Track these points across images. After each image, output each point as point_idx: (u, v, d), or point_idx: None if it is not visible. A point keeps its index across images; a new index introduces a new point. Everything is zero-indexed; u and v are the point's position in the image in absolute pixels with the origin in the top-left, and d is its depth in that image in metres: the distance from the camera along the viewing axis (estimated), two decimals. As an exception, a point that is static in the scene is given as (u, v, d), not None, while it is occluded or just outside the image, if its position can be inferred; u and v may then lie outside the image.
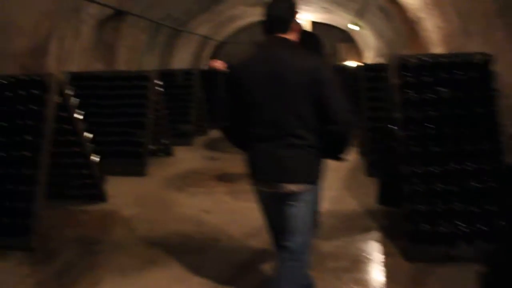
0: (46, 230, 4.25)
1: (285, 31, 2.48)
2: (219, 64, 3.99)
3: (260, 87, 2.38)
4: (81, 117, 4.69)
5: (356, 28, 15.59)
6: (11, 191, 3.94)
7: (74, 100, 4.57)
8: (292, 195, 2.43)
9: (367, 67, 6.45)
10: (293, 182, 2.41)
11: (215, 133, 10.00)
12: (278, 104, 2.35)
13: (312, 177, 2.48)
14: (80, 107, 6.58)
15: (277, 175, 2.41)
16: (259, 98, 2.39)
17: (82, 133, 4.69)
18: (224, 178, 6.18)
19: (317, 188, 2.62)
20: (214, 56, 20.51)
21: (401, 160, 3.62)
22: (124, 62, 11.40)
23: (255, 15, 17.81)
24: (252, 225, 4.45)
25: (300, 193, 2.43)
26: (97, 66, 10.69)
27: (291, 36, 2.51)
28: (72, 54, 9.03)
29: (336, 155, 2.53)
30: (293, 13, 2.54)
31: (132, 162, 6.39)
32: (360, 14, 12.99)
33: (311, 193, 2.52)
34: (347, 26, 17.14)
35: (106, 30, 10.59)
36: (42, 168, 3.99)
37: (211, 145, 8.72)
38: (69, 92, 4.47)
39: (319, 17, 17.84)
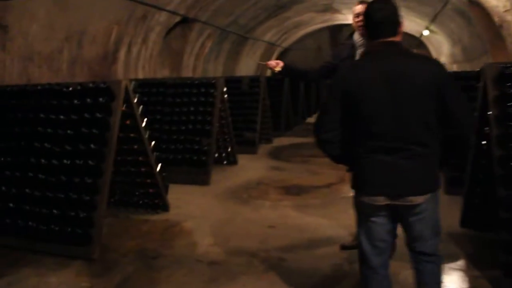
0: (107, 240, 4.15)
1: (394, 34, 2.32)
2: (273, 63, 3.74)
3: (379, 96, 2.22)
4: (145, 125, 4.57)
5: (426, 32, 14.80)
6: (74, 200, 3.87)
7: (139, 108, 4.45)
8: (418, 206, 2.30)
9: (455, 75, 5.89)
10: (420, 194, 2.28)
11: (280, 141, 9.75)
12: (402, 113, 2.20)
13: (437, 184, 2.37)
14: (145, 114, 6.59)
15: (401, 188, 2.27)
16: (378, 108, 2.23)
17: (147, 142, 4.57)
18: (290, 190, 5.88)
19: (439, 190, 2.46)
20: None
21: (498, 182, 3.15)
22: (190, 69, 11.44)
23: (322, 21, 17.44)
24: (322, 243, 4.12)
25: (425, 202, 2.30)
26: (164, 73, 10.79)
27: (400, 39, 2.35)
28: (140, 61, 9.13)
29: (449, 161, 2.47)
30: (399, 13, 2.36)
31: (196, 171, 6.25)
32: (434, 18, 12.28)
33: (436, 197, 2.38)
34: (418, 32, 16.35)
35: (173, 37, 10.68)
36: (105, 177, 3.89)
37: (276, 154, 8.46)
38: (135, 100, 4.37)
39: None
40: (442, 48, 15.52)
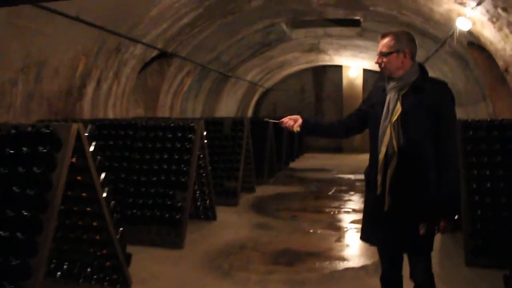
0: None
1: None
2: (291, 123, 2.89)
3: None
4: (104, 180, 3.58)
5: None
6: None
7: (96, 160, 3.48)
8: None
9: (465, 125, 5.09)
10: None
11: (263, 191, 8.80)
12: None
13: None
14: (110, 160, 5.58)
15: None
16: None
17: (105, 203, 3.57)
18: (280, 258, 4.88)
19: None
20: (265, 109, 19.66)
21: None
22: (167, 108, 10.53)
23: (306, 62, 16.90)
24: None
25: None
26: (138, 112, 9.84)
27: None
28: (110, 98, 8.18)
29: None
30: None
31: (167, 231, 5.22)
32: (425, 61, 11.75)
33: None
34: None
35: (150, 72, 9.80)
36: (40, 257, 2.86)
37: (260, 207, 7.47)
38: (90, 148, 3.40)
39: (374, 65, 16.64)
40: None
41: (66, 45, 6.39)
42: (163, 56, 9.31)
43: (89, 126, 3.43)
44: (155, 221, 5.26)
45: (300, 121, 2.94)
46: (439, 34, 8.94)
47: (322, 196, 8.59)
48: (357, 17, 10.23)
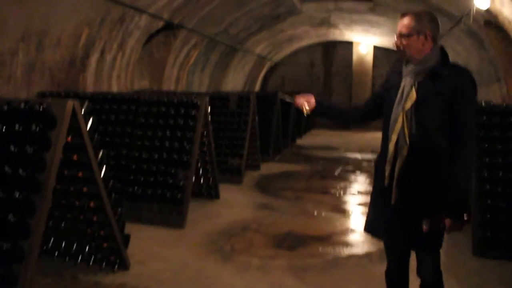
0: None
1: None
2: (301, 101, 2.73)
3: None
4: (101, 158, 3.44)
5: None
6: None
7: (94, 138, 3.33)
8: None
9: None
10: None
11: (268, 169, 8.67)
12: None
13: None
14: (111, 136, 5.44)
15: None
16: None
17: (102, 184, 3.44)
18: (283, 242, 4.76)
19: None
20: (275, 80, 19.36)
21: None
22: (172, 81, 10.33)
23: (316, 36, 16.53)
24: None
25: None
26: (143, 84, 9.66)
27: None
28: (114, 69, 7.99)
29: None
30: None
31: (168, 210, 5.12)
32: (439, 39, 11.41)
33: None
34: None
35: (155, 44, 9.56)
36: (33, 244, 2.75)
37: (264, 186, 7.35)
38: (87, 126, 3.25)
39: (385, 41, 16.30)
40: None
41: (68, 15, 6.19)
42: (169, 27, 9.06)
43: (86, 103, 3.27)
44: (157, 200, 5.15)
45: (312, 101, 2.77)
46: (455, 11, 8.60)
47: (328, 176, 8.45)
48: (371, -9, 9.87)
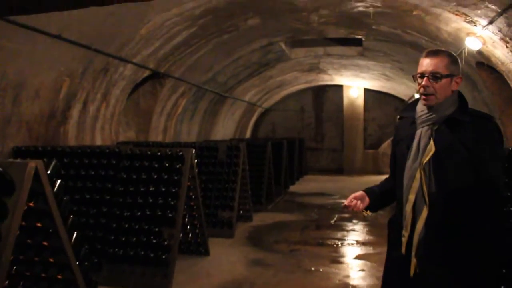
0: None
1: None
2: (356, 203, 2.33)
3: None
4: (71, 225, 3.07)
5: (418, 96, 13.89)
6: None
7: (61, 203, 2.97)
8: None
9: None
10: None
11: (261, 219, 8.27)
12: None
13: None
14: (88, 193, 5.07)
15: None
16: None
17: (72, 255, 3.04)
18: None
19: None
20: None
21: None
22: (160, 131, 10.05)
23: (306, 81, 16.51)
24: None
25: None
26: (129, 135, 9.36)
27: None
28: (98, 121, 7.69)
29: None
30: None
31: (152, 272, 4.68)
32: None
33: None
34: (407, 96, 15.49)
35: (142, 94, 9.34)
36: None
37: (257, 239, 6.92)
38: (54, 189, 2.89)
39: (375, 84, 16.29)
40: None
41: (48, 66, 5.93)
42: (156, 76, 8.86)
43: (53, 162, 2.93)
44: (139, 261, 4.72)
45: (367, 199, 2.36)
46: (446, 53, 8.51)
47: (323, 226, 8.05)
48: (359, 36, 9.81)
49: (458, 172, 2.08)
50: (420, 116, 2.20)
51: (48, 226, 2.93)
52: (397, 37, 8.81)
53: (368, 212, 2.38)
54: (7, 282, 2.87)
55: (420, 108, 2.23)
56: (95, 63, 6.76)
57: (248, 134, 18.51)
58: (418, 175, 2.11)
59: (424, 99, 2.17)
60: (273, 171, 9.91)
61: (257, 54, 10.90)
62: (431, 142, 2.11)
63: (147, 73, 8.30)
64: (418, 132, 2.18)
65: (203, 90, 11.15)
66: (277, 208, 9.66)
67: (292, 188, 12.85)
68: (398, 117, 2.48)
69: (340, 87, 17.79)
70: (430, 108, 2.17)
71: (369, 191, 2.41)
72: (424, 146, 2.13)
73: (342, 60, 12.81)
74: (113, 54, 6.88)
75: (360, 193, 2.38)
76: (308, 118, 19.27)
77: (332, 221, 8.41)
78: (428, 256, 2.09)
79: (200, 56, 9.21)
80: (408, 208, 2.14)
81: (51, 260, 3.03)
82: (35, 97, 6.01)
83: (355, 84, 17.17)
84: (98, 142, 7.71)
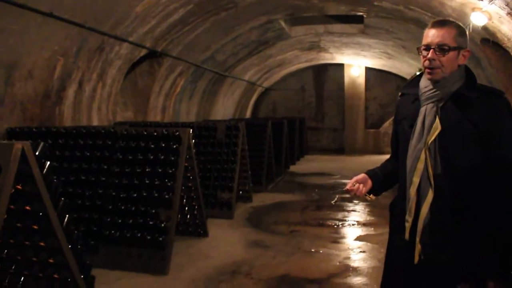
0: None
1: None
2: (361, 189, 2.18)
3: None
4: (62, 208, 2.97)
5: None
6: None
7: (52, 186, 2.86)
8: None
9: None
10: None
11: (261, 200, 8.20)
12: None
13: None
14: (84, 174, 4.97)
15: None
16: None
17: (65, 242, 2.95)
18: (279, 288, 4.27)
19: None
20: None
21: None
22: (158, 110, 9.92)
23: (306, 60, 16.29)
24: None
25: None
26: (127, 115, 9.23)
27: None
28: (95, 101, 7.56)
29: None
30: None
31: (149, 254, 4.61)
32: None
33: None
34: (409, 74, 15.27)
35: (139, 73, 9.18)
36: None
37: (256, 220, 6.86)
38: (43, 170, 2.79)
39: (377, 63, 16.06)
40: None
41: (40, 45, 5.77)
42: (153, 55, 8.69)
43: (41, 144, 2.81)
44: (136, 243, 4.65)
45: (369, 183, 2.22)
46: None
47: (324, 206, 7.98)
48: (360, 13, 9.59)
49: (465, 152, 1.94)
50: (424, 92, 2.05)
51: (38, 209, 2.83)
52: (399, 13, 8.60)
53: (372, 196, 2.26)
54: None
55: (424, 83, 2.08)
56: (90, 42, 6.60)
57: (248, 114, 18.37)
58: (423, 156, 1.97)
59: (429, 73, 2.02)
60: (273, 151, 9.80)
61: (256, 32, 10.69)
62: (437, 120, 1.96)
63: (143, 52, 8.13)
64: (422, 110, 2.04)
65: (201, 69, 10.98)
66: (277, 189, 9.59)
67: (293, 168, 12.77)
68: (399, 94, 2.33)
69: (341, 66, 17.57)
70: (435, 83, 2.02)
71: (371, 173, 2.28)
72: (429, 124, 1.98)
73: (343, 38, 12.59)
74: (108, 32, 6.71)
75: (362, 176, 2.25)
76: (309, 98, 19.09)
77: (332, 202, 8.34)
78: (433, 242, 1.97)
79: (197, 35, 9.03)
80: (412, 191, 2.00)
81: (41, 244, 2.95)
82: (28, 77, 5.87)
83: (356, 62, 16.94)
84: (95, 122, 7.59)
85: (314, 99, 19.02)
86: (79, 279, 3.10)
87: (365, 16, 9.79)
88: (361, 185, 2.21)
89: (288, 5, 9.03)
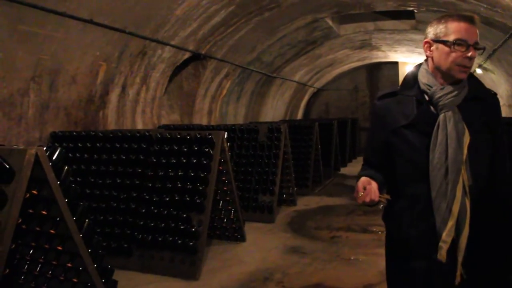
0: None
1: None
2: (370, 195, 1.97)
3: None
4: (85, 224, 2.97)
5: (479, 71, 12.88)
6: None
7: (70, 194, 2.87)
8: None
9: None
10: None
11: (306, 203, 8.01)
12: None
13: None
14: (119, 177, 5.02)
15: None
16: None
17: (82, 239, 2.95)
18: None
19: None
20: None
21: None
22: (204, 113, 9.96)
23: (358, 59, 15.85)
24: None
25: None
26: (173, 118, 9.34)
27: None
28: (139, 104, 7.69)
29: None
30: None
31: (181, 259, 4.58)
32: (491, 54, 10.43)
33: None
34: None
35: (185, 76, 9.26)
36: None
37: (298, 225, 6.67)
38: (58, 179, 2.79)
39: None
40: (497, 89, 13.53)
41: (82, 51, 5.92)
42: (197, 58, 8.73)
43: (58, 149, 2.82)
44: (168, 247, 4.63)
45: (374, 186, 2.01)
46: (508, 21, 7.73)
47: (371, 211, 7.63)
48: (410, 8, 9.14)
49: (485, 159, 1.78)
50: (443, 95, 1.81)
51: (55, 214, 2.84)
52: (452, 6, 8.11)
53: (386, 195, 2.03)
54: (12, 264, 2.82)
55: (431, 82, 1.85)
56: (131, 46, 6.71)
57: (299, 115, 18.15)
58: (463, 170, 1.77)
59: (464, 72, 1.80)
60: (321, 153, 9.55)
61: (303, 31, 10.49)
62: (466, 130, 1.76)
63: (187, 55, 8.18)
64: (443, 117, 1.79)
65: (248, 71, 10.92)
66: (324, 192, 9.34)
67: (343, 170, 12.43)
68: (378, 96, 2.07)
69: (395, 64, 16.95)
70: (455, 84, 1.81)
71: (369, 175, 2.07)
72: (459, 133, 1.76)
73: (394, 35, 12.10)
74: (149, 36, 6.79)
75: (364, 179, 2.03)
76: (362, 97, 18.59)
77: (380, 206, 7.96)
78: (476, 260, 1.79)
79: (241, 36, 8.97)
80: (456, 208, 1.77)
81: (59, 248, 2.96)
82: (72, 82, 6.04)
83: (411, 60, 16.25)
84: (139, 126, 7.72)
85: (368, 99, 18.49)
86: (98, 283, 3.09)
87: (415, 11, 9.33)
88: (373, 186, 1.99)
89: (333, 3, 8.77)
